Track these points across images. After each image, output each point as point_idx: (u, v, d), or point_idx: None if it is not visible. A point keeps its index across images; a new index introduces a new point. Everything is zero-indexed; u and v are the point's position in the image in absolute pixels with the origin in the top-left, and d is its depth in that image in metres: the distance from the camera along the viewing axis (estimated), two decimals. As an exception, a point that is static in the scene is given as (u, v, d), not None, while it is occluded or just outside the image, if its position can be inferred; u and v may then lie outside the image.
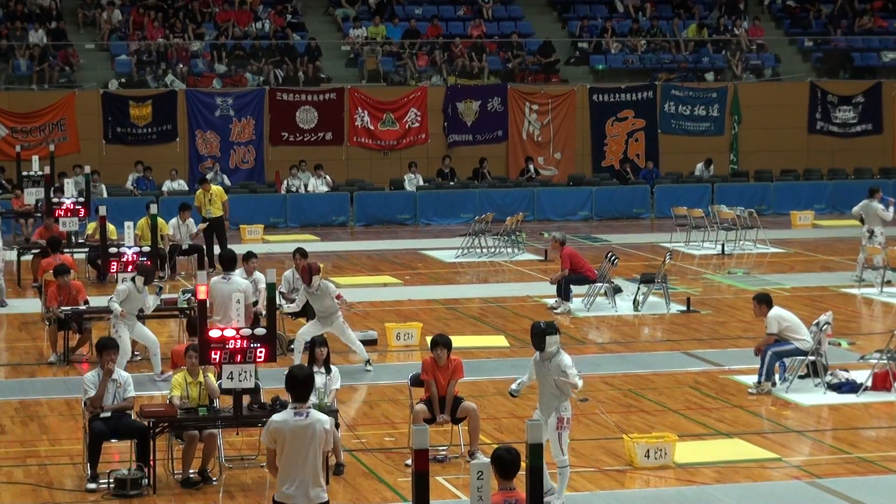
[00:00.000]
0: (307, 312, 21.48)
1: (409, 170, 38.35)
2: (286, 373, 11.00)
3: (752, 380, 18.88)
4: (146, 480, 14.55)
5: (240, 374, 14.29)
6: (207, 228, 29.13)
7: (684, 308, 24.57)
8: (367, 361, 20.08)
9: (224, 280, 17.49)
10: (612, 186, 39.46)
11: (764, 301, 18.94)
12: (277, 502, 10.84)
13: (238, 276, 19.36)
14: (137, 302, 19.35)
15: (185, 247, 28.34)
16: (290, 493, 10.74)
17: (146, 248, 20.85)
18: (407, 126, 39.79)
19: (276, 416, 10.94)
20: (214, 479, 14.94)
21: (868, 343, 21.35)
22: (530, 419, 13.30)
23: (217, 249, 29.14)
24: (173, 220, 28.54)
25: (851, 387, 18.62)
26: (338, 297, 19.89)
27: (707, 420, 17.44)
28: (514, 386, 14.69)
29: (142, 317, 19.70)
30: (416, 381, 16.12)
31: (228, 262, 18.09)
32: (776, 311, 18.75)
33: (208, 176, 37.11)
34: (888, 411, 17.95)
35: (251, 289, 18.90)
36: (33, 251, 27.01)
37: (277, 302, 20.87)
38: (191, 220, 28.57)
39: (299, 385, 10.92)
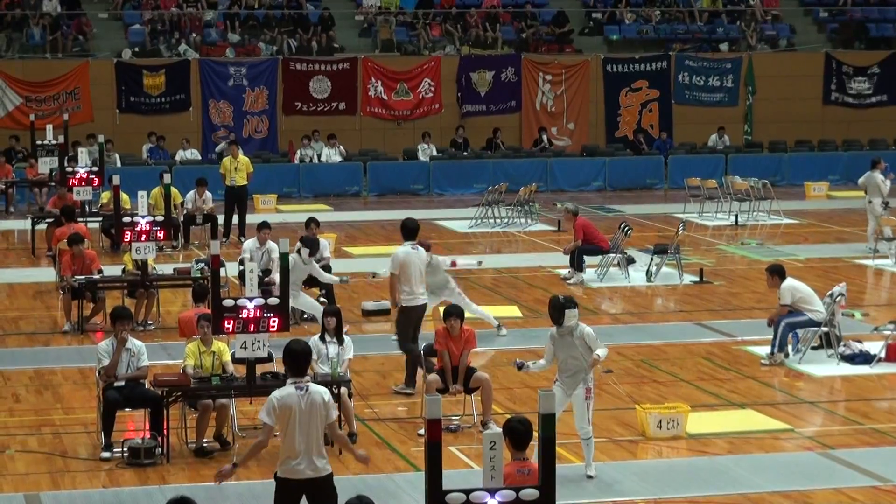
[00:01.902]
0: (312, 283, 21.41)
1: (423, 140, 38.32)
2: (284, 347, 10.97)
3: (764, 351, 18.88)
4: (160, 449, 14.60)
5: (253, 344, 14.32)
6: (230, 197, 29.15)
7: (697, 279, 24.56)
8: (499, 326, 20.13)
9: (414, 250, 17.52)
10: (626, 157, 39.41)
11: (777, 272, 18.91)
12: (283, 478, 10.78)
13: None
14: (301, 273, 19.64)
15: (199, 220, 28.36)
16: (300, 469, 10.70)
17: (160, 218, 20.86)
18: (420, 96, 39.74)
19: (277, 393, 10.85)
20: (229, 441, 14.98)
21: (882, 314, 21.34)
22: (543, 389, 13.34)
23: (236, 219, 29.21)
24: (190, 194, 28.54)
25: (865, 358, 18.61)
26: (452, 264, 20.16)
27: (719, 391, 17.45)
28: (531, 364, 14.46)
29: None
30: (429, 352, 16.15)
31: (412, 232, 17.97)
32: (789, 282, 18.74)
33: (220, 146, 37.16)
34: (901, 383, 17.95)
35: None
36: (47, 220, 27.05)
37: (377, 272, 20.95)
38: (208, 194, 28.55)
39: (297, 359, 10.85)
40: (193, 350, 15.14)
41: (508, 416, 12.17)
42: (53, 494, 13.70)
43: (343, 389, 14.92)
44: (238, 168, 29.19)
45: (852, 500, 13.47)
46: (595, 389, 14.10)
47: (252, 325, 14.28)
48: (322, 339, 15.59)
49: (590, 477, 13.94)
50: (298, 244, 20.12)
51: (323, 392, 10.84)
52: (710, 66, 41.42)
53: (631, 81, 40.94)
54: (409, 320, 17.20)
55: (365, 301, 22.19)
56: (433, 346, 15.98)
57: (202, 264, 21.38)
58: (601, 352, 13.83)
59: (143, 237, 20.22)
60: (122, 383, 14.87)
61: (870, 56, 42.47)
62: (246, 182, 29.35)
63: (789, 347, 18.82)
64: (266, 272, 20.96)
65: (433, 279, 19.82)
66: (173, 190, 25.05)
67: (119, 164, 34.99)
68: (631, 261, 25.14)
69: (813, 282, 20.71)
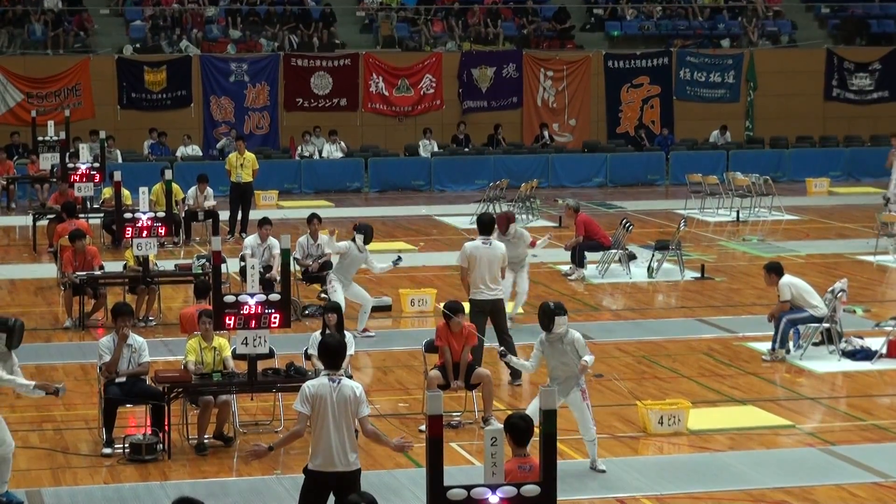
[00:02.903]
0: (322, 278, 21.49)
1: (424, 136, 38.32)
2: (319, 341, 11.05)
3: (766, 347, 18.87)
4: (161, 445, 14.60)
5: (254, 340, 14.32)
6: (235, 194, 29.14)
7: (698, 275, 24.56)
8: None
9: (486, 244, 17.53)
10: (627, 153, 39.39)
11: (774, 270, 18.91)
12: (313, 471, 10.81)
13: (496, 239, 18.74)
14: (357, 262, 19.77)
15: (201, 216, 28.36)
16: (327, 462, 10.75)
17: (161, 214, 20.86)
18: (422, 92, 39.74)
19: (309, 383, 10.97)
20: (231, 437, 14.99)
21: (883, 310, 21.33)
22: (544, 386, 13.35)
23: (240, 215, 29.18)
24: (191, 190, 28.54)
25: (866, 354, 18.61)
26: (532, 243, 20.46)
27: (721, 387, 17.45)
28: (514, 358, 14.74)
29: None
30: (430, 348, 16.15)
31: (488, 227, 17.96)
32: (787, 278, 18.73)
33: (221, 142, 37.17)
34: (902, 379, 17.94)
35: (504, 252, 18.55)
36: (49, 216, 27.05)
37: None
38: (209, 190, 28.53)
39: (332, 353, 10.99)
40: (194, 346, 15.14)
41: (510, 413, 12.18)
42: (55, 490, 13.70)
43: (360, 385, 14.91)
44: (244, 165, 29.19)
45: (853, 496, 13.47)
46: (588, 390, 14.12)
47: (253, 322, 14.29)
48: (323, 335, 15.57)
49: (602, 471, 13.95)
50: (354, 232, 20.12)
51: (355, 386, 10.91)
52: (711, 63, 41.42)
53: (632, 77, 40.94)
54: (473, 313, 17.13)
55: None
56: (434, 342, 15.98)
57: (203, 260, 21.39)
58: (588, 358, 13.86)
59: (145, 233, 20.22)
60: (124, 379, 14.87)
61: (871, 52, 42.47)
62: (251, 179, 29.34)
63: (790, 343, 18.82)
64: (267, 268, 20.96)
65: (513, 251, 19.73)
66: (174, 186, 25.05)
67: (120, 161, 34.99)
68: (632, 257, 25.14)
69: (814, 278, 20.71)
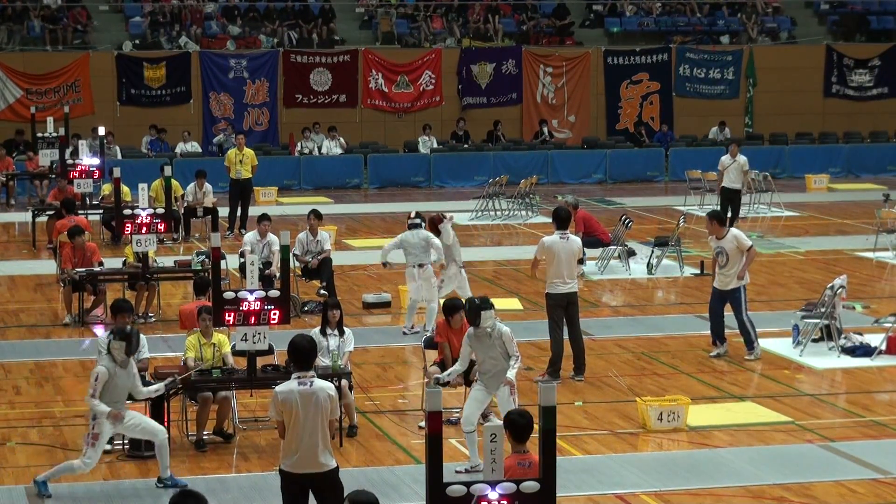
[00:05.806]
0: (321, 274, 21.51)
1: (424, 132, 38.31)
2: (289, 341, 10.96)
3: (763, 343, 18.84)
4: (160, 442, 14.59)
5: (254, 336, 14.32)
6: (234, 190, 29.11)
7: (698, 271, 24.57)
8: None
9: (563, 239, 17.54)
10: (627, 149, 39.38)
11: (716, 217, 18.98)
12: (285, 472, 10.81)
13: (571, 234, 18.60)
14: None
15: (199, 212, 28.34)
16: (298, 463, 10.74)
17: (160, 210, 20.85)
18: (421, 88, 39.72)
19: (280, 388, 10.85)
20: (232, 433, 14.99)
21: (883, 306, 21.32)
22: (541, 380, 13.34)
23: (239, 212, 29.16)
24: (190, 186, 28.53)
25: (865, 350, 18.61)
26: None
27: (720, 383, 17.45)
28: (445, 375, 14.59)
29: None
30: (430, 344, 16.15)
31: (565, 221, 17.93)
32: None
33: (218, 138, 37.15)
34: (902, 375, 17.95)
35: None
36: (48, 213, 27.05)
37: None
38: (208, 186, 28.51)
39: (302, 353, 10.85)
40: (194, 342, 15.15)
41: (509, 409, 12.19)
42: (54, 486, 13.69)
43: (344, 382, 14.93)
44: (243, 161, 29.15)
45: (852, 492, 13.48)
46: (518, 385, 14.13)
47: (253, 318, 14.29)
48: (323, 332, 15.57)
49: None
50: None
51: (328, 388, 10.84)
52: (710, 59, 41.40)
53: (632, 74, 40.92)
54: (551, 307, 17.33)
55: (365, 293, 22.20)
56: (434, 338, 15.99)
57: (203, 257, 21.38)
58: (511, 374, 13.81)
59: (144, 229, 20.20)
60: (123, 376, 14.85)
61: (871, 48, 42.45)
62: (251, 175, 29.30)
63: (791, 340, 18.79)
64: (266, 265, 20.97)
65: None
66: (174, 182, 25.04)
67: (119, 157, 34.96)
68: (632, 253, 25.15)
69: (814, 274, 20.69)
